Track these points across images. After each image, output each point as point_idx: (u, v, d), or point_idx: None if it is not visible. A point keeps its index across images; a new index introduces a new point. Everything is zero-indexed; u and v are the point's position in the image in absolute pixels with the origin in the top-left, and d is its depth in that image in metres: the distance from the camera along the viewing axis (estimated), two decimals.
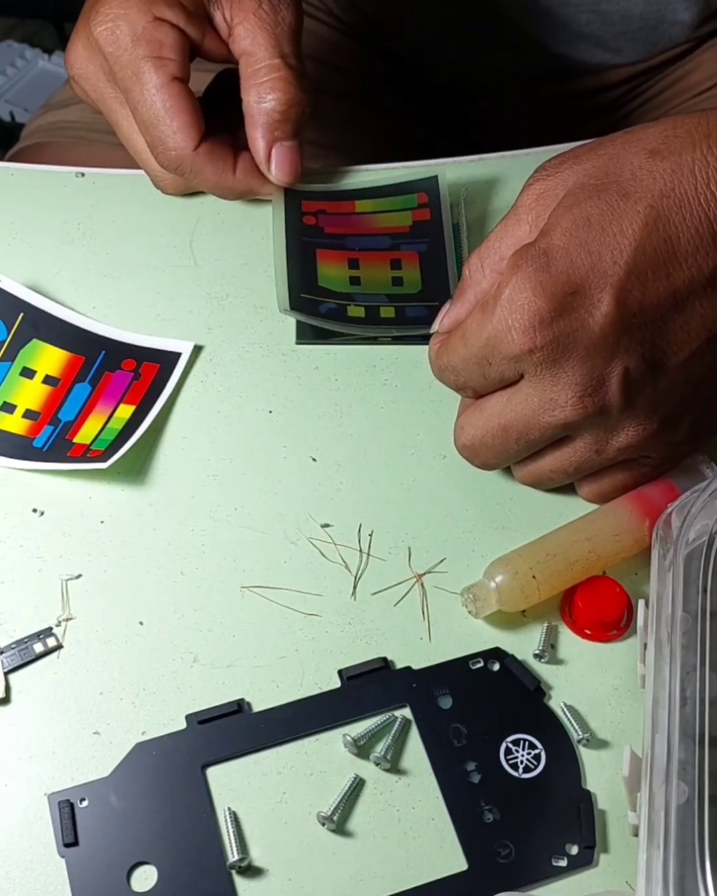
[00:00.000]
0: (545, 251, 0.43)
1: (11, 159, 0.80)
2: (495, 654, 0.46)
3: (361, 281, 0.56)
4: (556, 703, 0.46)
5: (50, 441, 0.51)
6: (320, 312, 0.55)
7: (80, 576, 0.48)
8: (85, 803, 0.43)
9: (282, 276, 0.55)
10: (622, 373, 0.43)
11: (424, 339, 0.51)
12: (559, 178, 0.45)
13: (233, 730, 0.44)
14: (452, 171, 0.61)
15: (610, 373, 0.43)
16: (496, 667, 0.46)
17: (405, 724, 0.45)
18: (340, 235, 0.58)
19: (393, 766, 0.44)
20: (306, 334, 0.55)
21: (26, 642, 0.46)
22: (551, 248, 0.43)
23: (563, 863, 0.42)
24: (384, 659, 0.46)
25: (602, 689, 0.46)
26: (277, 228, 0.57)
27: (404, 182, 0.60)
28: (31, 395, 0.53)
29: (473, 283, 0.48)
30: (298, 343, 0.55)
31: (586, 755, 0.44)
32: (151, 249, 0.58)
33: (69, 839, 0.42)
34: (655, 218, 0.42)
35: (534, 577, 0.46)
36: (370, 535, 0.50)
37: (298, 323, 0.55)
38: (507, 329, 0.43)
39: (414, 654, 0.47)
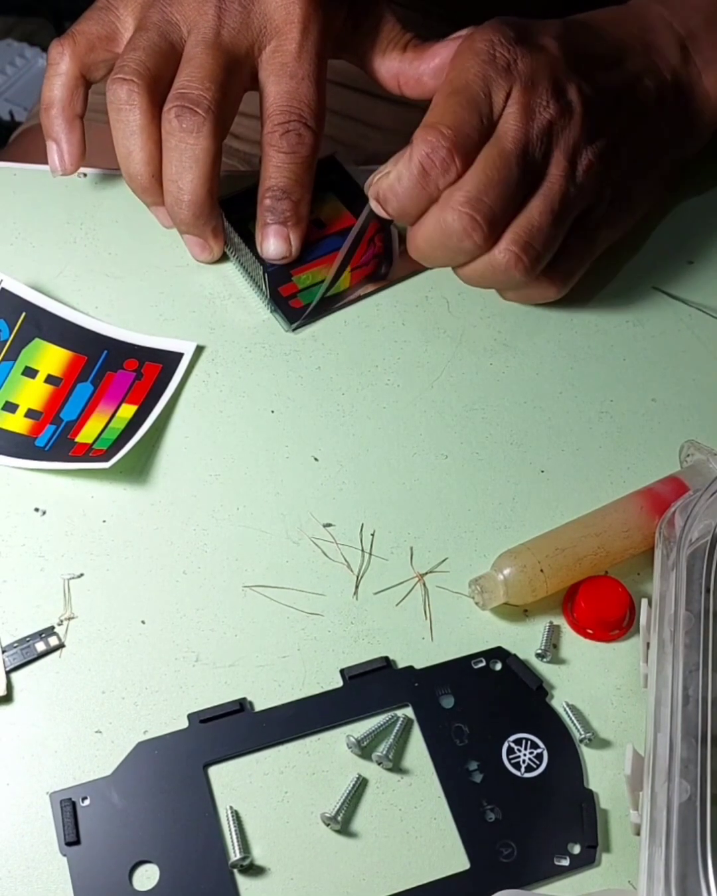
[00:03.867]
0: (485, 25, 0.51)
1: (11, 146, 0.81)
2: (498, 653, 0.46)
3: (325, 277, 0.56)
4: (558, 702, 0.46)
5: (52, 440, 0.51)
6: (317, 309, 0.56)
7: (82, 575, 0.48)
8: (87, 802, 0.43)
9: (269, 306, 0.56)
10: (577, 85, 0.51)
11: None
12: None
13: (235, 729, 0.45)
14: None
15: (569, 84, 0.51)
16: (498, 666, 0.46)
17: (407, 724, 0.45)
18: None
19: (395, 765, 0.44)
20: (294, 318, 0.56)
21: (28, 641, 0.46)
22: (491, 26, 0.51)
23: (565, 862, 0.42)
24: (386, 658, 0.46)
25: (604, 689, 0.46)
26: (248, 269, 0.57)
27: None
28: (33, 394, 0.53)
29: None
30: (291, 330, 0.56)
31: (589, 754, 0.44)
32: (153, 249, 0.58)
33: (71, 838, 0.42)
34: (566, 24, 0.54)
35: (542, 571, 0.46)
36: (372, 534, 0.50)
37: (282, 313, 0.56)
38: (489, 47, 0.50)
39: (416, 653, 0.47)
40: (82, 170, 0.61)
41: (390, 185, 0.50)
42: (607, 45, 0.54)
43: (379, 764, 0.44)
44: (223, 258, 0.58)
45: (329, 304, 0.56)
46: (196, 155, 0.51)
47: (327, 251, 0.55)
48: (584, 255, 0.55)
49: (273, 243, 0.54)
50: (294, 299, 0.56)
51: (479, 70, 0.50)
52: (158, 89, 0.52)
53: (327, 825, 0.43)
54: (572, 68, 0.51)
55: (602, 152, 0.52)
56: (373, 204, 0.52)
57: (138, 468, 0.51)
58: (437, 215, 0.50)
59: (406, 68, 0.56)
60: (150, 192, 0.54)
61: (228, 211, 0.55)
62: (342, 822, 0.43)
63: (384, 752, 0.44)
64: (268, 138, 0.53)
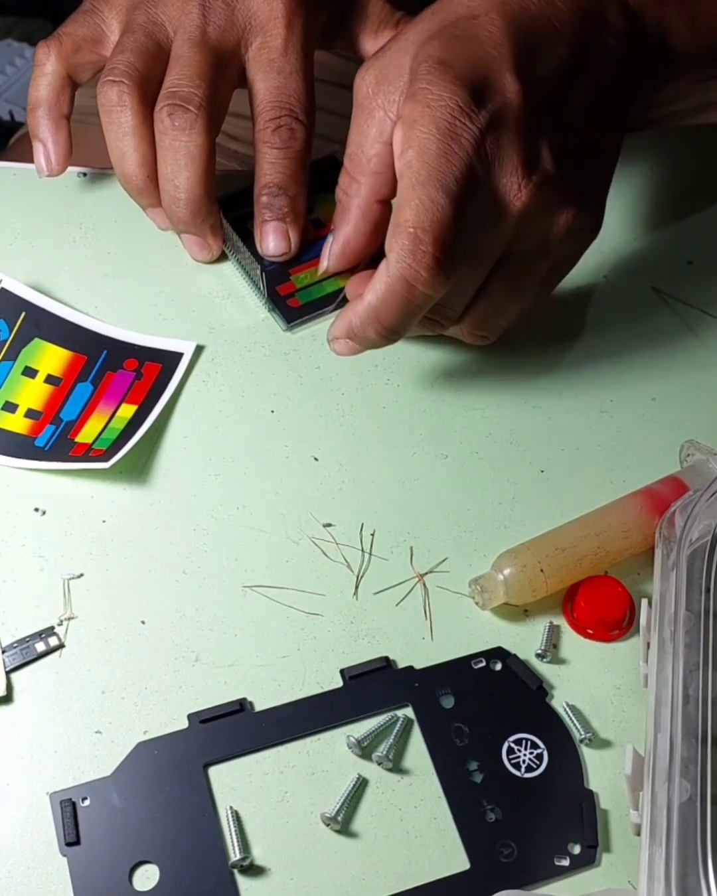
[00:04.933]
0: (434, 66, 0.44)
1: (12, 147, 0.81)
2: (498, 653, 0.46)
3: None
4: (558, 702, 0.46)
5: (52, 440, 0.51)
6: (314, 309, 0.55)
7: (81, 575, 0.48)
8: (87, 802, 0.43)
9: (266, 305, 0.56)
10: (548, 144, 0.45)
11: None
12: (390, 56, 0.46)
13: (235, 729, 0.44)
14: None
15: (541, 146, 0.45)
16: (498, 666, 0.46)
17: (407, 724, 0.45)
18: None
19: (395, 765, 0.44)
20: (292, 318, 0.56)
21: (28, 641, 0.46)
22: (438, 61, 0.44)
23: (565, 862, 0.42)
24: (386, 658, 0.46)
25: (604, 689, 0.46)
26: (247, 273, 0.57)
27: None
28: (33, 394, 0.53)
29: (352, 195, 0.48)
30: (288, 330, 0.56)
31: (589, 754, 0.44)
32: (153, 249, 0.58)
33: (71, 838, 0.42)
34: (509, 17, 0.45)
35: (542, 570, 0.46)
36: (372, 534, 0.50)
37: (280, 312, 0.56)
38: (450, 119, 0.43)
39: (416, 653, 0.47)
40: (82, 169, 0.61)
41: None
42: (564, 43, 0.46)
43: (379, 764, 0.44)
44: (222, 257, 0.58)
45: (327, 304, 0.56)
46: (191, 152, 0.51)
47: None
48: (534, 301, 0.51)
49: (272, 240, 0.54)
50: (292, 299, 0.56)
51: (449, 158, 0.43)
52: (148, 90, 0.52)
53: (327, 825, 0.43)
54: (539, 122, 0.45)
55: (570, 201, 0.46)
56: (342, 346, 0.49)
57: (138, 468, 0.51)
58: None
59: None
60: (145, 193, 0.54)
61: (226, 210, 0.55)
62: (342, 822, 0.43)
63: (384, 752, 0.44)
64: (260, 135, 0.53)
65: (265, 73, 0.53)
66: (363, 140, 0.48)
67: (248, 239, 0.55)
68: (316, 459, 0.52)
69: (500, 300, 0.49)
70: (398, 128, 0.45)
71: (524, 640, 0.47)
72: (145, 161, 0.53)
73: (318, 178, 0.55)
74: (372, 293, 0.45)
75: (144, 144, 0.52)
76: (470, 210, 0.44)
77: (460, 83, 0.43)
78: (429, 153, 0.43)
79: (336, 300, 0.56)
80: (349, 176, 0.49)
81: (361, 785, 0.44)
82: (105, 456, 0.50)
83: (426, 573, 0.49)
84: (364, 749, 0.44)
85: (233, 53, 0.53)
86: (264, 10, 0.53)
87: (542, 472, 0.52)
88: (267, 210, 0.53)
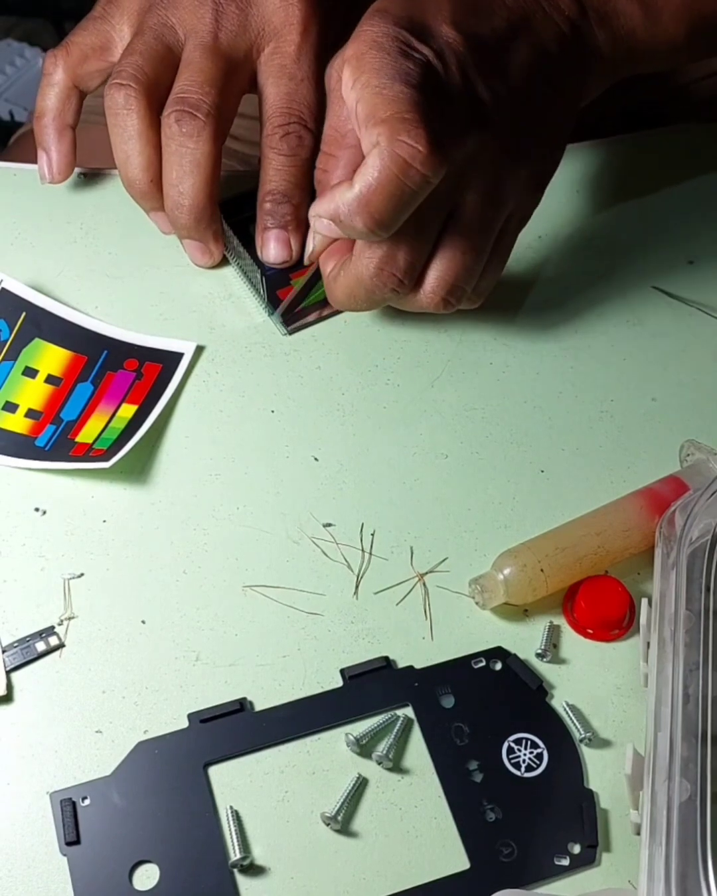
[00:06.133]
0: (374, 12, 0.45)
1: (13, 147, 0.81)
2: (498, 653, 0.46)
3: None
4: (558, 702, 0.46)
5: (52, 440, 0.51)
6: (308, 314, 0.56)
7: (82, 574, 0.48)
8: (87, 802, 0.43)
9: (266, 309, 0.56)
10: (490, 91, 0.46)
11: None
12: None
13: (235, 729, 0.45)
14: None
15: (481, 91, 0.46)
16: (498, 666, 0.46)
17: (407, 724, 0.45)
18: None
19: (395, 765, 0.44)
20: (291, 322, 0.56)
21: (28, 641, 0.46)
22: (377, 9, 0.45)
23: (565, 862, 0.42)
24: (386, 658, 0.46)
25: (604, 689, 0.46)
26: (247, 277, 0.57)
27: None
28: (33, 394, 0.53)
29: (330, 170, 0.49)
30: (287, 333, 0.56)
31: (589, 754, 0.44)
32: (153, 249, 0.58)
33: (71, 838, 0.42)
34: None
35: (542, 570, 0.46)
36: (372, 534, 0.50)
37: (280, 316, 0.56)
38: (397, 48, 0.43)
39: (416, 653, 0.47)
40: (84, 169, 0.61)
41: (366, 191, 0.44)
42: (505, 10, 0.48)
43: (379, 763, 0.44)
44: (224, 261, 0.58)
45: (325, 308, 0.56)
46: (197, 159, 0.51)
47: None
48: (500, 267, 0.52)
49: (274, 248, 0.54)
50: (292, 302, 0.56)
51: (406, 65, 0.44)
52: (156, 94, 0.52)
53: (328, 825, 0.43)
54: (477, 64, 0.46)
55: (516, 153, 0.47)
56: (324, 226, 0.47)
57: (138, 468, 0.51)
58: (352, 270, 0.48)
59: None
60: (148, 197, 0.54)
61: (228, 213, 0.55)
62: (342, 821, 0.43)
63: (384, 752, 0.44)
64: (267, 140, 0.53)
65: (277, 79, 0.53)
66: (337, 121, 0.48)
67: (249, 243, 0.55)
68: (316, 459, 0.52)
69: (458, 257, 0.48)
70: (346, 66, 0.44)
71: (524, 640, 0.47)
72: (150, 165, 0.53)
73: None
74: (362, 181, 0.43)
75: (148, 148, 0.52)
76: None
77: (401, 23, 0.44)
78: (384, 68, 0.43)
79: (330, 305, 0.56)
80: (326, 154, 0.49)
81: (361, 784, 0.44)
82: (106, 456, 0.50)
83: (426, 573, 0.49)
84: (364, 748, 0.44)
85: (244, 59, 0.53)
86: (279, 15, 0.53)
87: (542, 471, 0.52)
88: (270, 217, 0.53)
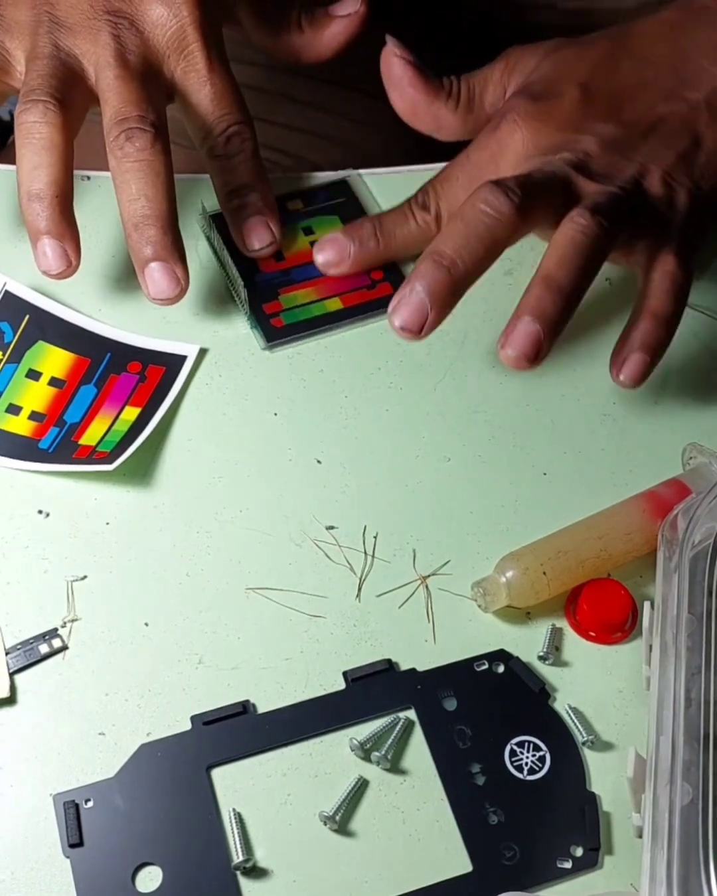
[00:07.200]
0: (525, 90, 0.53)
1: (12, 147, 0.81)
2: (500, 655, 0.46)
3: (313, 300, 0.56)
4: (560, 705, 0.46)
5: (55, 443, 0.52)
6: (297, 331, 0.55)
7: (85, 577, 0.48)
8: (90, 804, 0.43)
9: (249, 321, 0.56)
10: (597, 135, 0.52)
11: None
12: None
13: (238, 731, 0.45)
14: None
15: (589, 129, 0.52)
16: (501, 669, 0.46)
17: (409, 726, 0.45)
18: (288, 269, 0.57)
19: (397, 767, 0.44)
20: (273, 337, 0.55)
21: (32, 643, 0.46)
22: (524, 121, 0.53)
23: (567, 864, 0.42)
24: (389, 661, 0.46)
25: (607, 691, 0.46)
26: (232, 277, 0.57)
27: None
28: (36, 396, 0.53)
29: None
30: (266, 348, 0.55)
31: (591, 757, 0.44)
32: None
33: (74, 840, 0.42)
34: (615, 45, 0.54)
35: (545, 573, 0.46)
36: (375, 537, 0.50)
37: (261, 331, 0.55)
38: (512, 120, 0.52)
39: (418, 655, 0.47)
40: (86, 173, 0.61)
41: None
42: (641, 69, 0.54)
43: (379, 765, 0.44)
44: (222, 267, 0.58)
45: (311, 327, 0.56)
46: (158, 169, 0.51)
47: (319, 273, 0.56)
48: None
49: (255, 235, 0.55)
50: (277, 318, 0.55)
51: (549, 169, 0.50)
52: (71, 112, 0.51)
53: (324, 824, 0.43)
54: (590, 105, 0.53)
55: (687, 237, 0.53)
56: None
57: (141, 471, 0.51)
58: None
59: (305, 42, 0.58)
60: (47, 216, 0.51)
61: (220, 224, 0.56)
62: (340, 821, 0.43)
63: (385, 754, 0.44)
64: (212, 150, 0.54)
65: (198, 93, 0.54)
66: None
67: (235, 256, 0.56)
68: (319, 462, 0.52)
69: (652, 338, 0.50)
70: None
71: (527, 643, 0.47)
72: (59, 180, 0.51)
73: (325, 200, 0.55)
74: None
75: (61, 162, 0.51)
76: None
77: (540, 122, 0.53)
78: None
79: (320, 324, 0.55)
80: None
81: (361, 785, 0.44)
82: (109, 458, 0.50)
83: (429, 576, 0.49)
84: (367, 751, 0.44)
85: (158, 74, 0.54)
86: (173, 23, 0.53)
87: (544, 474, 0.52)
88: (242, 210, 0.55)
